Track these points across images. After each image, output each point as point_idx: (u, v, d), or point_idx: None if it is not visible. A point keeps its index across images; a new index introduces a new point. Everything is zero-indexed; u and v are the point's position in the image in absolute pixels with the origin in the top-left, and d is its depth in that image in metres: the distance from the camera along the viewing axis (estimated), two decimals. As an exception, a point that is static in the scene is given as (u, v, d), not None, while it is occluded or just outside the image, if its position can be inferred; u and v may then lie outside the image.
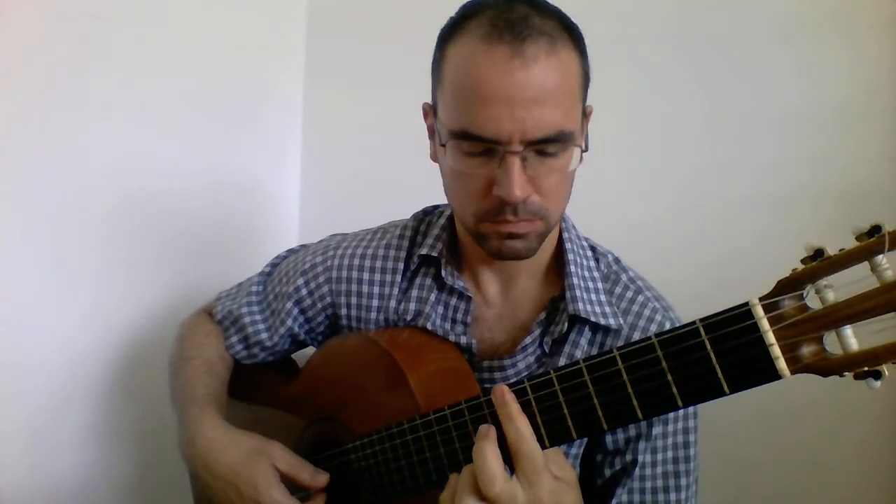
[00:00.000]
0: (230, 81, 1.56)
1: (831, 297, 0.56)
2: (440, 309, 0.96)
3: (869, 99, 1.17)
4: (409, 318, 0.97)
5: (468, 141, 0.78)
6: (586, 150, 0.85)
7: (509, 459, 0.68)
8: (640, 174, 1.36)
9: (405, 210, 1.08)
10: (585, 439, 0.89)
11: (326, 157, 1.75)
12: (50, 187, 1.21)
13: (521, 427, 0.67)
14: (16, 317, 1.18)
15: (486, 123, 0.75)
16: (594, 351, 0.89)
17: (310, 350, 1.08)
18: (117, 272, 1.33)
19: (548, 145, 0.77)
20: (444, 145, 0.81)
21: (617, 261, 0.98)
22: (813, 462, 1.20)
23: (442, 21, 0.88)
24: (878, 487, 1.15)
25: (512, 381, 0.76)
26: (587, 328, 0.90)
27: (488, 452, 0.67)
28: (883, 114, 1.16)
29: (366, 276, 1.01)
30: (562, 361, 0.89)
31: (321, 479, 0.90)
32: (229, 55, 1.55)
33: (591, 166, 0.96)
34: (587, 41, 0.85)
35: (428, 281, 0.98)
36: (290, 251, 1.14)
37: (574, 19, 0.85)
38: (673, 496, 0.87)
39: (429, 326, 0.94)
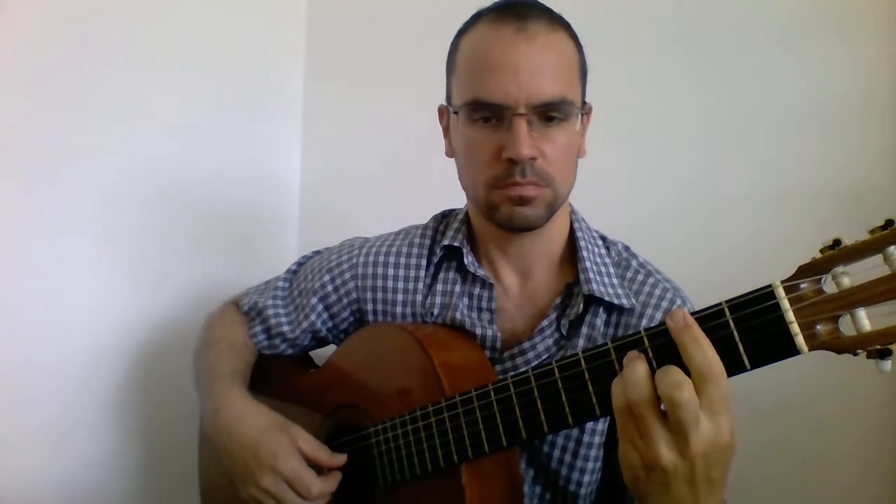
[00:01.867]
0: (230, 82, 1.56)
1: (846, 282, 0.60)
2: (465, 300, 0.99)
3: (869, 99, 1.18)
4: (436, 311, 1.00)
5: (478, 109, 0.86)
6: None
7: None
8: (640, 174, 1.37)
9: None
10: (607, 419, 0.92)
11: (327, 158, 1.75)
12: (55, 188, 1.21)
13: (708, 351, 0.62)
14: (22, 318, 1.18)
15: (494, 90, 0.84)
16: (610, 331, 0.94)
17: (329, 348, 1.10)
18: (125, 271, 1.33)
19: (550, 110, 0.85)
20: (456, 113, 0.89)
21: (626, 248, 1.02)
22: (812, 458, 1.20)
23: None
24: (877, 484, 1.15)
25: (539, 362, 0.78)
26: (602, 309, 0.93)
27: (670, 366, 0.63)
28: (882, 114, 1.17)
29: (391, 271, 1.04)
30: (580, 342, 0.93)
31: (339, 459, 0.93)
32: (229, 55, 1.55)
33: (592, 166, 0.98)
34: (587, 41, 0.92)
35: (451, 274, 1.01)
36: (316, 252, 1.18)
37: (574, 20, 0.90)
38: None
39: (457, 316, 0.97)
